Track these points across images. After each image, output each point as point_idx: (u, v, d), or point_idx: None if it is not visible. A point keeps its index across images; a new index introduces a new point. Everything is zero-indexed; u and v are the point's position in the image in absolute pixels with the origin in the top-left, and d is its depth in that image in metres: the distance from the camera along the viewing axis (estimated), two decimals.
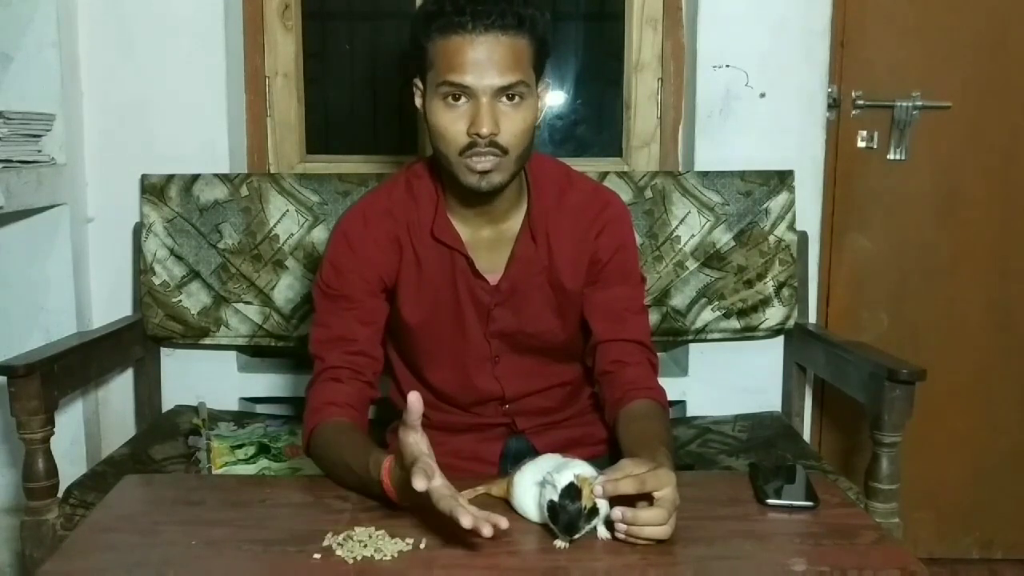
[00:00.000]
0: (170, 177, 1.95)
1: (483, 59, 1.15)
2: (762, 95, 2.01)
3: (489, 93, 1.16)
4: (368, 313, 1.31)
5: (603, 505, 0.99)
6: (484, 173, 1.20)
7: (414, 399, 1.00)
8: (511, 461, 1.34)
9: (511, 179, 1.24)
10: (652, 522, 0.98)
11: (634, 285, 1.39)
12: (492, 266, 1.33)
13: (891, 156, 2.11)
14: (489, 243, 1.33)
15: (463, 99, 1.18)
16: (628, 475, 0.99)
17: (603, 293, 1.36)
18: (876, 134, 2.11)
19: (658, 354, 1.42)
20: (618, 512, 0.98)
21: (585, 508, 0.97)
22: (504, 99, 1.18)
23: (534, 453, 1.36)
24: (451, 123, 1.19)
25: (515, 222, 1.33)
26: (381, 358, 1.34)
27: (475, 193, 1.24)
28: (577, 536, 0.99)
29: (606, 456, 1.37)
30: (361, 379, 1.29)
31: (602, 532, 1.01)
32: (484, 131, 1.16)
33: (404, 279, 1.33)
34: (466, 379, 1.38)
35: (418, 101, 1.26)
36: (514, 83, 1.17)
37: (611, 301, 1.36)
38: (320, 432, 1.23)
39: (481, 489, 1.14)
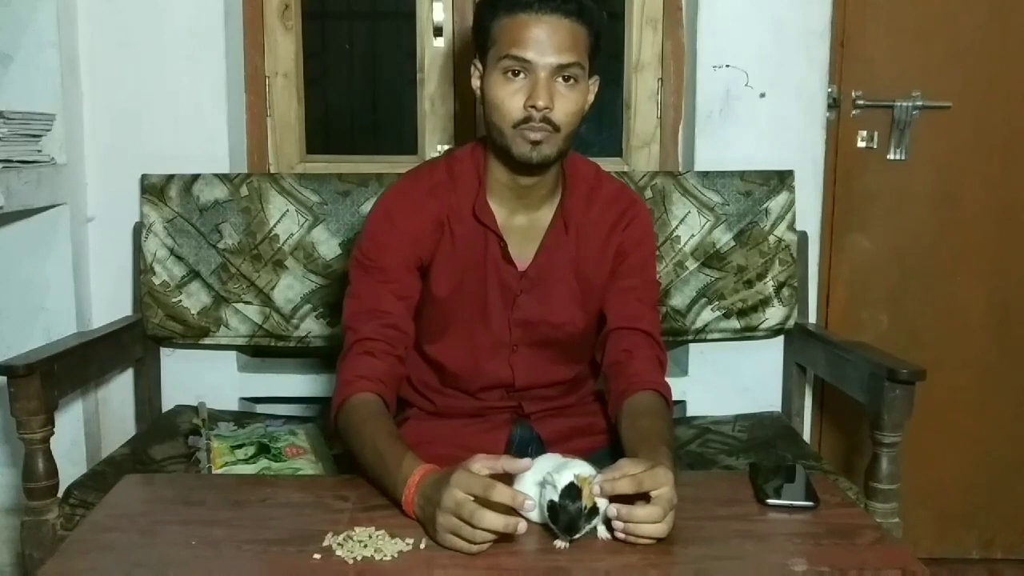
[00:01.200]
0: (170, 177, 1.95)
1: (544, 38, 1.22)
2: (762, 95, 2.01)
3: (548, 70, 1.23)
4: (404, 288, 1.34)
5: (603, 504, 0.99)
6: (536, 144, 1.25)
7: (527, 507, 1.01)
8: (516, 452, 1.35)
9: (558, 157, 1.30)
10: (647, 520, 0.99)
11: (650, 281, 1.44)
12: (522, 253, 1.37)
13: (891, 156, 2.11)
14: (522, 230, 1.37)
15: (522, 74, 1.24)
16: (626, 475, 1.00)
17: (621, 282, 1.41)
18: (876, 134, 2.11)
19: None
20: (613, 510, 0.99)
21: (585, 508, 0.98)
22: (560, 79, 1.24)
23: (539, 442, 1.37)
24: (509, 96, 1.25)
25: (548, 212, 1.38)
26: (412, 334, 1.37)
27: (523, 166, 1.29)
28: (578, 536, 0.99)
29: (607, 447, 1.38)
30: (393, 353, 1.31)
31: (602, 532, 1.01)
32: (540, 103, 1.22)
33: (439, 257, 1.36)
34: (478, 362, 1.41)
35: (475, 82, 1.32)
36: (571, 63, 1.24)
37: (628, 291, 1.40)
38: (351, 407, 1.24)
39: None
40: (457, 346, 1.41)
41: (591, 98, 1.33)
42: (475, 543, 0.98)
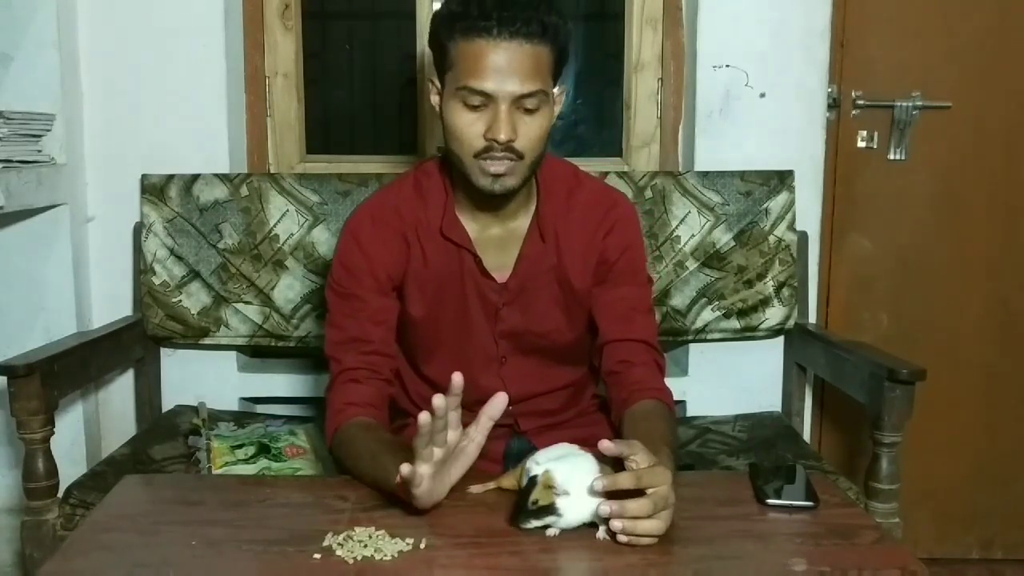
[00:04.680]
0: (170, 177, 1.95)
1: (504, 66, 1.16)
2: (762, 95, 2.01)
3: (508, 100, 1.17)
4: (380, 312, 1.33)
5: (589, 503, 0.99)
6: (498, 176, 1.21)
7: (457, 380, 1.03)
8: (514, 459, 1.35)
9: (523, 183, 1.26)
10: (638, 513, 0.97)
11: (641, 285, 1.40)
12: (500, 265, 1.34)
13: (891, 156, 2.11)
14: (498, 242, 1.34)
15: (482, 104, 1.18)
16: (630, 467, 0.99)
17: (611, 293, 1.37)
18: (876, 134, 2.11)
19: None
20: (605, 508, 0.98)
21: (534, 503, 0.98)
22: (522, 106, 1.19)
23: (536, 451, 1.37)
24: (468, 126, 1.19)
25: (524, 221, 1.34)
26: (396, 354, 1.36)
27: (486, 194, 1.25)
28: (525, 526, 1.00)
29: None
30: (379, 377, 1.30)
31: (601, 533, 1.01)
32: (502, 138, 1.18)
33: (411, 276, 1.34)
34: (469, 378, 1.38)
35: (434, 99, 1.27)
36: (534, 92, 1.18)
37: (618, 301, 1.37)
38: (343, 432, 1.24)
39: (492, 485, 1.14)
40: (447, 363, 1.37)
41: (559, 108, 1.28)
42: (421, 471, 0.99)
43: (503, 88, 1.16)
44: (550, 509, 0.99)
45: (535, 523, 1.00)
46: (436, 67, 1.25)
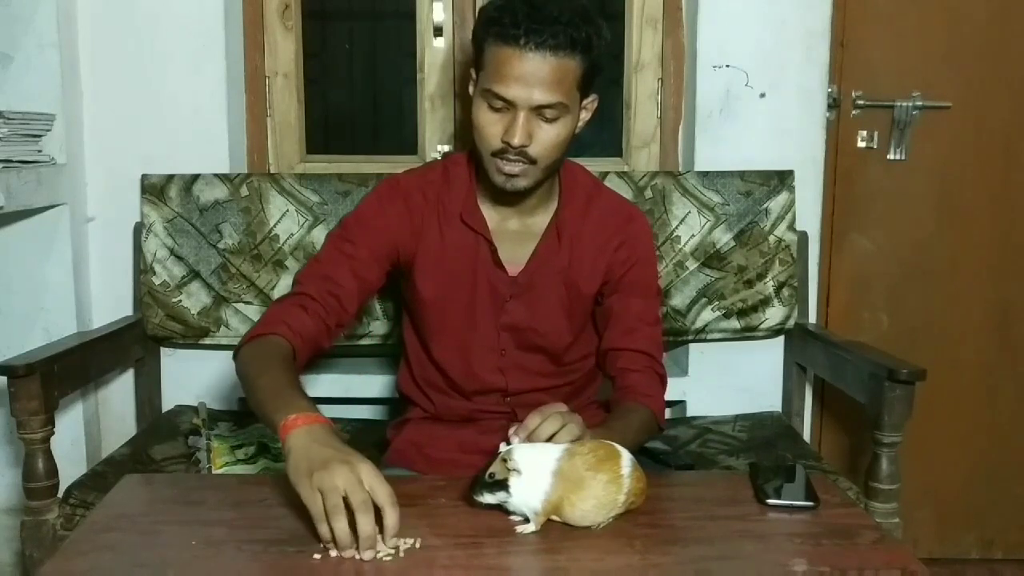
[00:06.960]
0: (170, 177, 1.95)
1: (528, 74, 1.21)
2: (762, 95, 2.01)
3: (527, 108, 1.22)
4: (363, 268, 1.35)
5: (538, 490, 1.00)
6: (510, 176, 1.26)
7: None
8: None
9: (536, 185, 1.31)
10: (536, 426, 1.04)
11: (649, 298, 1.43)
12: (514, 257, 1.38)
13: (891, 156, 2.11)
14: (514, 235, 1.38)
15: (503, 107, 1.23)
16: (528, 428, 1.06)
17: (618, 303, 1.40)
18: (876, 134, 2.11)
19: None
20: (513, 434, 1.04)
21: (491, 476, 1.01)
22: (542, 115, 1.23)
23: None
24: (488, 125, 1.25)
25: (542, 219, 1.39)
26: (352, 315, 1.36)
27: (501, 190, 1.30)
28: (478, 499, 1.03)
29: None
30: (325, 320, 1.30)
31: (524, 527, 1.02)
32: (515, 142, 1.23)
33: (424, 255, 1.38)
34: (469, 365, 1.42)
35: (471, 88, 1.32)
36: (553, 104, 1.22)
37: (625, 311, 1.40)
38: (266, 341, 1.23)
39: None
40: (450, 348, 1.42)
41: (587, 115, 1.32)
42: (326, 518, 0.93)
43: (523, 97, 1.21)
44: (503, 485, 1.01)
45: (488, 497, 1.02)
46: (474, 62, 1.30)
